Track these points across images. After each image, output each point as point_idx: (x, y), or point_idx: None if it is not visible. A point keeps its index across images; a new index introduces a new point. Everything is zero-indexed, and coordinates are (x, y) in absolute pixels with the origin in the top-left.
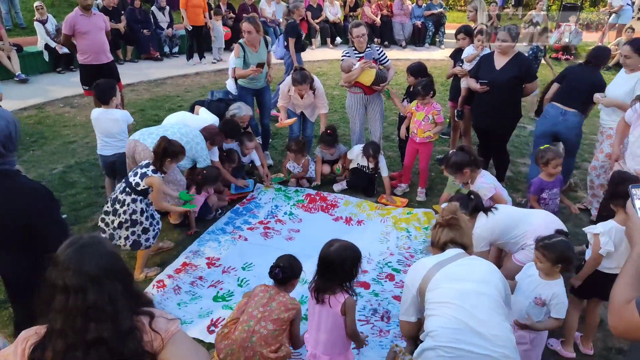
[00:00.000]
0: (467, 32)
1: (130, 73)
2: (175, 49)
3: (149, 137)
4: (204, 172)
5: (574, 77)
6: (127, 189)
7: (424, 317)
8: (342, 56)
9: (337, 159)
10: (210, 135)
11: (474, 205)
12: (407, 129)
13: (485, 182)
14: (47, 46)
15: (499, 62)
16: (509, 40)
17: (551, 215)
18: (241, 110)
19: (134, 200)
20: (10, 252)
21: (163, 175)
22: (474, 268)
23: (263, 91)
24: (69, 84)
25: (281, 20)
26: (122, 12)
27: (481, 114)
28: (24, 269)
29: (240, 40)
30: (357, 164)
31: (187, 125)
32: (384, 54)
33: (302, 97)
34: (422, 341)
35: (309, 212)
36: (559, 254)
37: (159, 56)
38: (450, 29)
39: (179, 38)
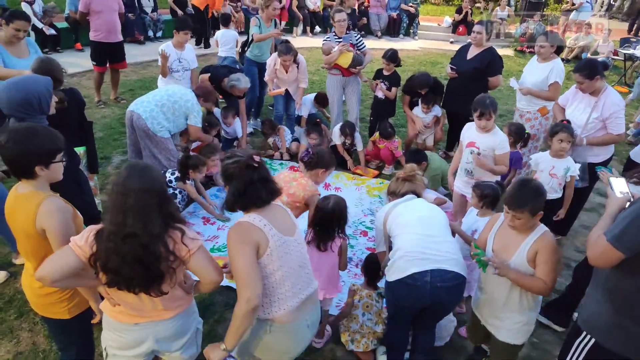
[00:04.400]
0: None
1: None
2: (159, 33)
3: (141, 106)
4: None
5: None
6: None
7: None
8: (324, 41)
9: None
10: (203, 93)
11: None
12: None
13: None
14: (34, 27)
15: (471, 53)
16: (482, 34)
17: None
18: (240, 82)
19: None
20: None
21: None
22: (425, 204)
23: (265, 65)
24: None
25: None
26: None
27: (449, 98)
28: None
29: (258, 15)
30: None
31: (177, 86)
32: (362, 40)
33: (286, 70)
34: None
35: None
36: (482, 191)
37: (142, 40)
38: (424, 21)
39: (162, 22)
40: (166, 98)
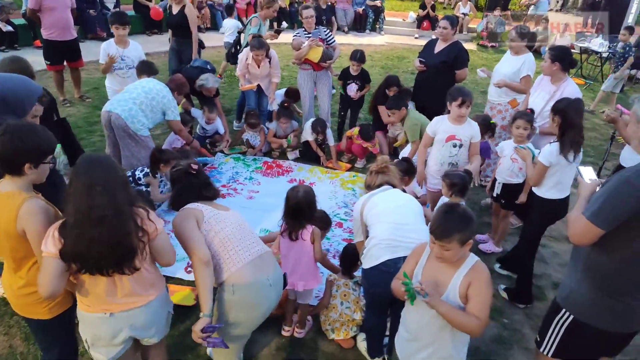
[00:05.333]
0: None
1: None
2: None
3: (118, 105)
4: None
5: None
6: (130, 179)
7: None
8: (294, 36)
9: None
10: (176, 85)
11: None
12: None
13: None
14: None
15: (438, 47)
16: (449, 29)
17: None
18: (208, 81)
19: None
20: None
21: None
22: (400, 194)
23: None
24: None
25: (224, 2)
26: None
27: (418, 91)
28: None
29: (256, 14)
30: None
31: (151, 81)
32: (331, 35)
33: (258, 65)
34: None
35: (267, 177)
36: (451, 180)
37: (106, 36)
38: (389, 17)
39: None
40: (143, 95)
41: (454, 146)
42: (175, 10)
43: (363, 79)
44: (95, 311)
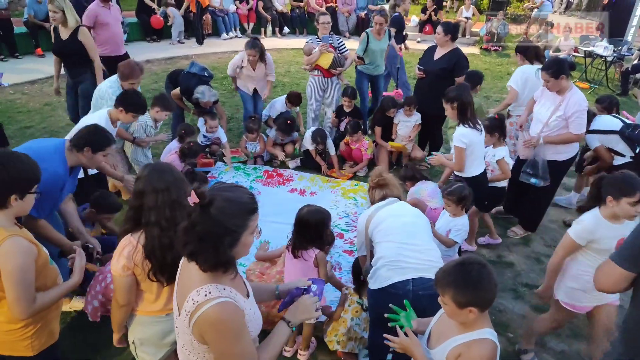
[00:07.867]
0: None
1: None
2: (125, 37)
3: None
4: (189, 146)
5: None
6: None
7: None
8: (306, 42)
9: (286, 143)
10: (120, 72)
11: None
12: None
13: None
14: None
15: (438, 53)
16: (441, 34)
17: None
18: (204, 95)
19: None
20: None
21: None
22: (408, 208)
23: (378, 78)
24: (16, 71)
25: (229, 8)
26: None
27: (418, 97)
28: None
29: (368, 30)
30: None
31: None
32: (344, 44)
33: (254, 67)
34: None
35: (268, 186)
36: (458, 195)
37: None
38: None
39: (127, 25)
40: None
41: None
42: (64, 35)
43: (355, 116)
44: (155, 314)
